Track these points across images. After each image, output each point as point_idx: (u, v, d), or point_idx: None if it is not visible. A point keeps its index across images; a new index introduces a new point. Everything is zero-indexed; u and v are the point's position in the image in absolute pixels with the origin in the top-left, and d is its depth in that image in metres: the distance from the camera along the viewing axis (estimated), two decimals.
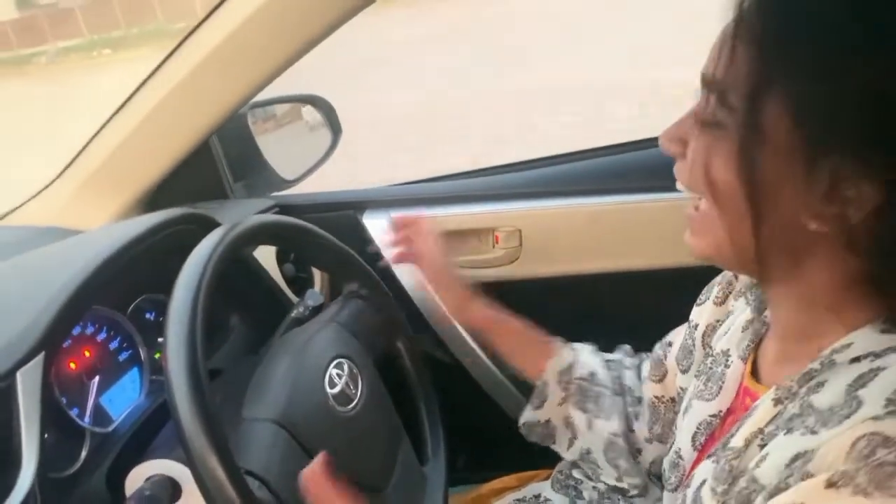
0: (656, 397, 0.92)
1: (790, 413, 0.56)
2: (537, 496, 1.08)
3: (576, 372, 0.96)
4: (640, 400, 0.95)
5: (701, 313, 0.84)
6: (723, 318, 0.80)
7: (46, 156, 1.26)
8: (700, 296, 0.86)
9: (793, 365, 0.60)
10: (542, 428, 0.98)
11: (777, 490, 0.51)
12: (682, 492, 0.67)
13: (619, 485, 0.95)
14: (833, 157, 0.52)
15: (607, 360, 0.98)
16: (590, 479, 1.01)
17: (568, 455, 0.99)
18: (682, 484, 0.73)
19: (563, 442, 0.98)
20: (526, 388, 1.00)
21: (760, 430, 0.59)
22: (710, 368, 0.74)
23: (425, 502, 0.94)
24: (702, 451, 0.71)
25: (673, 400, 0.91)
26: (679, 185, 0.63)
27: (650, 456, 0.94)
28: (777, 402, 0.59)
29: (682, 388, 0.87)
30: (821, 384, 0.55)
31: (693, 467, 0.71)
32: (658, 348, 0.94)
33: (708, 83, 0.57)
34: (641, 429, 0.93)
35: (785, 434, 0.54)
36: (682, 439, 0.74)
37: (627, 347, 1.02)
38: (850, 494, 0.47)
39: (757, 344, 0.70)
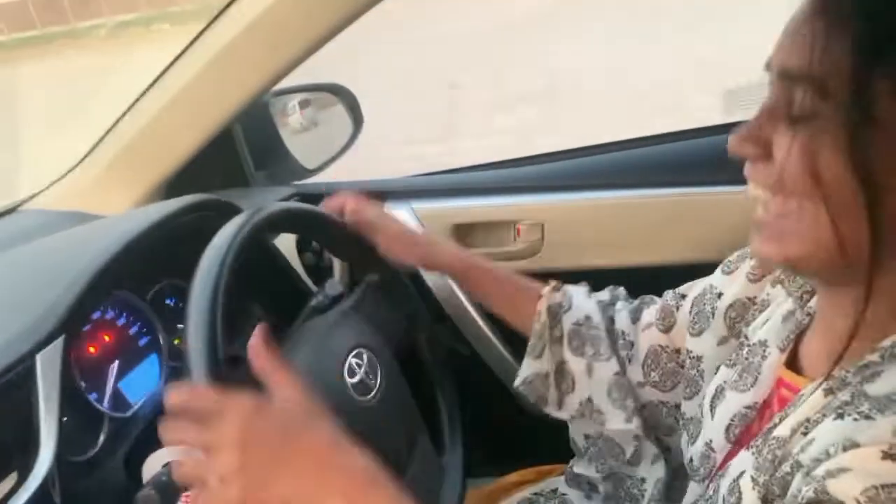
0: (660, 346, 0.89)
1: (840, 401, 0.54)
2: (554, 491, 1.07)
3: (571, 317, 0.94)
4: (632, 344, 0.92)
5: (728, 283, 0.81)
6: (756, 297, 0.77)
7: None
8: (726, 262, 0.83)
9: (845, 362, 0.57)
10: (541, 383, 0.95)
11: (817, 462, 0.49)
12: (716, 482, 0.66)
13: (628, 426, 0.91)
14: None
15: (599, 301, 0.96)
16: (590, 462, 0.98)
17: (562, 413, 0.95)
18: (712, 475, 0.71)
19: (553, 401, 0.95)
20: None
21: (807, 419, 0.57)
22: (746, 359, 0.72)
23: (443, 493, 0.94)
24: (737, 442, 0.70)
25: (678, 351, 0.89)
26: (753, 188, 0.59)
27: (641, 400, 0.92)
28: (828, 392, 0.56)
29: (688, 350, 0.85)
30: (877, 374, 0.53)
31: (728, 458, 0.70)
32: (669, 298, 0.91)
33: (799, 76, 0.53)
34: (634, 372, 0.92)
35: (834, 419, 0.52)
36: (714, 430, 0.72)
37: (621, 290, 0.99)
38: None
39: (798, 335, 0.67)
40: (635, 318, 0.94)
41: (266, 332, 0.65)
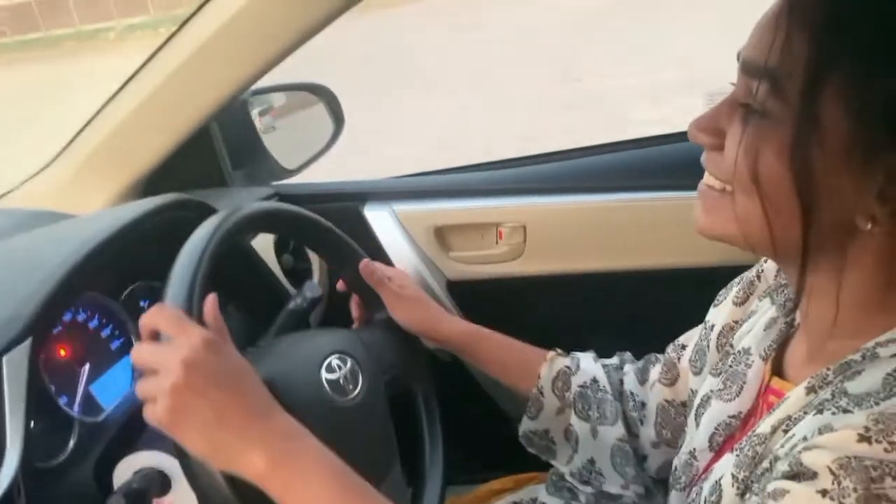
0: (667, 401, 0.89)
1: (821, 398, 0.54)
2: (534, 499, 1.06)
3: (578, 380, 0.94)
4: (643, 405, 0.92)
5: (717, 314, 0.82)
6: (743, 318, 0.78)
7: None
8: (717, 297, 0.84)
9: (817, 362, 0.58)
10: (541, 439, 0.96)
11: (793, 449, 0.50)
12: (699, 485, 0.65)
13: (623, 492, 0.92)
14: (892, 152, 0.49)
15: (605, 366, 0.96)
16: (587, 483, 0.98)
17: (567, 469, 0.96)
18: (693, 482, 0.71)
19: (562, 456, 0.96)
20: None
21: (788, 417, 0.57)
22: (731, 367, 0.72)
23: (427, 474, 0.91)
24: (719, 451, 0.70)
25: (684, 404, 0.89)
26: (707, 178, 0.60)
27: (657, 461, 0.92)
28: (810, 390, 0.57)
29: (693, 391, 0.85)
30: (858, 373, 0.53)
31: (710, 465, 0.69)
32: (670, 351, 0.91)
33: (756, 71, 0.54)
34: (647, 434, 0.91)
35: (814, 415, 0.52)
36: (699, 439, 0.72)
37: (628, 354, 0.99)
38: (885, 451, 0.45)
39: (782, 344, 0.68)
40: (643, 378, 0.94)
41: (215, 299, 0.71)
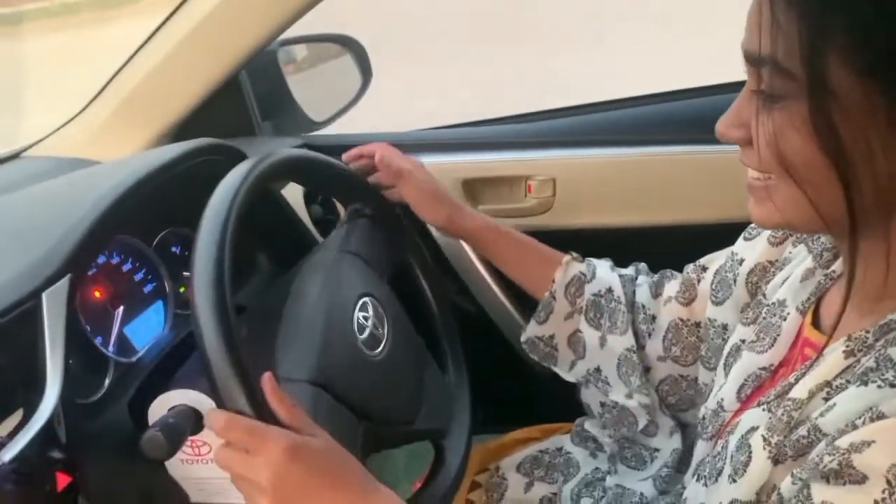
0: (681, 319, 0.90)
1: (864, 366, 0.53)
2: (559, 449, 1.07)
3: (592, 287, 0.94)
4: (653, 318, 0.93)
5: (750, 249, 0.81)
6: (777, 260, 0.77)
7: None
8: (749, 229, 0.83)
9: (866, 320, 0.57)
10: (545, 345, 0.97)
11: (841, 433, 0.49)
12: (724, 438, 0.65)
13: (628, 402, 0.93)
14: None
15: (621, 276, 0.96)
16: (604, 427, 0.99)
17: (569, 376, 0.98)
18: (720, 432, 0.71)
19: (564, 364, 0.98)
20: None
21: (828, 383, 0.56)
22: (764, 318, 0.71)
23: (455, 417, 0.93)
24: (746, 401, 0.69)
25: (698, 325, 0.90)
26: (750, 172, 0.59)
27: (660, 374, 0.93)
28: (849, 354, 0.56)
29: (711, 320, 0.85)
30: None
31: (735, 415, 0.69)
32: (690, 271, 0.91)
33: (756, 58, 0.53)
34: (654, 346, 0.92)
35: (858, 386, 0.52)
36: (727, 390, 0.72)
37: (643, 265, 0.99)
38: None
39: (820, 297, 0.67)
40: (656, 292, 0.94)
41: (273, 382, 0.66)
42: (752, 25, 0.53)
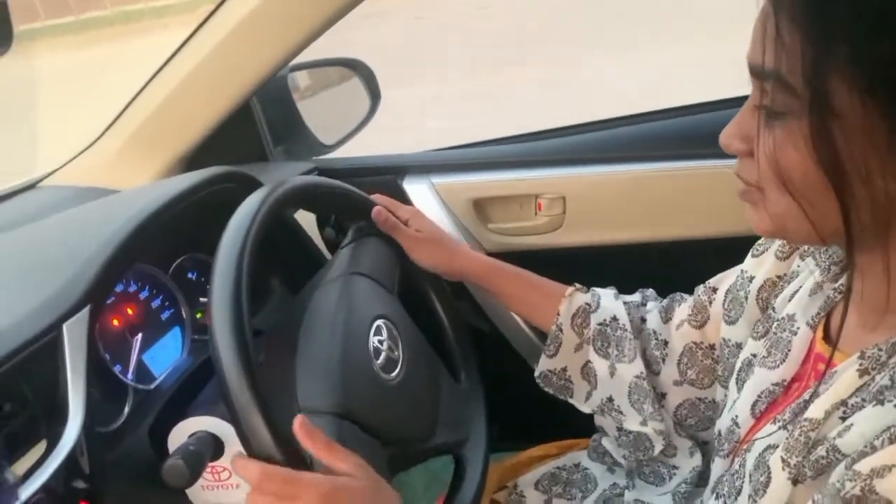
0: (694, 343, 0.90)
1: (879, 384, 0.53)
2: (577, 465, 1.07)
3: (597, 317, 0.94)
4: (666, 343, 0.92)
5: (758, 265, 0.81)
6: (785, 274, 0.77)
7: None
8: (756, 246, 0.83)
9: (876, 334, 0.57)
10: (559, 378, 0.97)
11: (861, 455, 0.49)
12: (741, 456, 0.65)
13: (643, 429, 0.93)
14: None
15: (626, 303, 0.96)
16: (619, 447, 0.99)
17: (585, 408, 0.98)
18: (736, 450, 0.71)
19: (580, 395, 0.98)
20: None
21: (843, 402, 0.56)
22: (775, 334, 0.71)
23: (472, 426, 0.94)
24: (760, 417, 0.69)
25: (712, 347, 0.89)
26: (741, 185, 0.60)
27: (677, 399, 0.92)
28: (863, 372, 0.56)
29: (726, 339, 0.85)
30: None
31: (751, 432, 0.69)
32: (700, 293, 0.91)
33: (760, 72, 0.54)
34: (669, 372, 0.92)
35: (874, 406, 0.52)
36: (741, 406, 0.72)
37: (651, 291, 0.99)
38: None
39: (829, 311, 0.67)
40: (667, 317, 0.94)
41: (305, 421, 0.66)
42: (757, 39, 0.54)
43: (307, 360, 0.79)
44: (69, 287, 0.74)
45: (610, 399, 0.94)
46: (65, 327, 0.71)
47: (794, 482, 0.57)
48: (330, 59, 1.42)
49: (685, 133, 1.21)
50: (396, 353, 0.87)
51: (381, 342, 0.86)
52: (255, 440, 0.65)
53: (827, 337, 0.66)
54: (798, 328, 0.68)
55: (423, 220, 1.03)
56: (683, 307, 0.93)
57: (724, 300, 0.86)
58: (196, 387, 0.86)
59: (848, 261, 0.55)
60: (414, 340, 0.93)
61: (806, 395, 0.61)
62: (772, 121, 0.53)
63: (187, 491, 0.79)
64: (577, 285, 0.98)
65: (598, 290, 0.98)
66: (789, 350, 0.68)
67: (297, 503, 0.62)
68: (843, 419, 0.55)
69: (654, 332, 0.93)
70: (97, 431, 0.76)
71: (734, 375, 0.78)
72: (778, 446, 0.60)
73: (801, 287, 0.72)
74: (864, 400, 0.54)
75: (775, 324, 0.73)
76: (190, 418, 0.78)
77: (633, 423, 0.94)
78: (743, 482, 0.64)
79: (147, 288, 0.94)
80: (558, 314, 0.96)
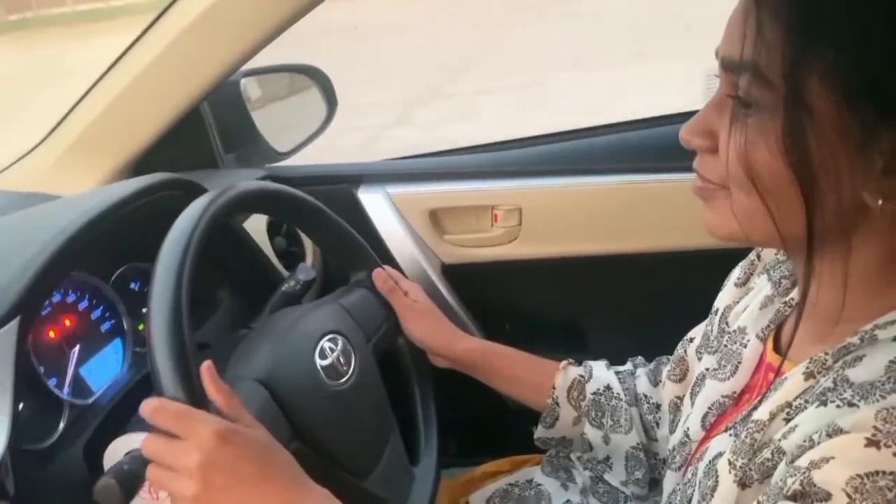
0: (678, 397, 0.88)
1: (823, 387, 0.53)
2: (529, 481, 1.05)
3: (591, 387, 0.93)
4: (657, 406, 0.92)
5: (721, 298, 0.81)
6: (741, 298, 0.77)
7: None
8: (725, 282, 0.83)
9: (825, 344, 0.57)
10: (557, 443, 0.97)
11: (800, 450, 0.48)
12: (693, 466, 0.65)
13: (622, 488, 0.93)
14: (888, 128, 0.48)
15: (619, 373, 0.96)
16: (585, 467, 0.98)
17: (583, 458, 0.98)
18: (688, 461, 0.70)
19: (578, 451, 0.97)
20: None
21: (788, 404, 0.56)
22: (726, 346, 0.71)
23: (410, 500, 0.91)
24: (710, 429, 0.69)
25: None
26: (699, 181, 0.59)
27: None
28: (808, 375, 0.56)
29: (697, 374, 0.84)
30: (859, 359, 0.52)
31: (702, 443, 0.69)
32: (679, 347, 0.90)
33: (736, 65, 0.52)
34: (665, 435, 0.90)
35: (817, 407, 0.51)
36: (692, 419, 0.72)
37: (640, 359, 0.99)
38: (894, 456, 0.44)
39: (780, 323, 0.67)
40: (656, 380, 0.93)
41: (212, 370, 0.67)
42: (734, 31, 0.53)
43: (246, 346, 0.81)
44: None
45: (607, 458, 0.94)
46: None
47: (742, 485, 0.56)
48: (285, 66, 1.40)
49: (641, 146, 1.21)
50: (345, 368, 0.85)
51: (331, 349, 0.85)
52: (161, 378, 0.65)
53: (777, 348, 0.66)
54: (748, 340, 0.68)
55: (420, 293, 1.03)
56: (669, 366, 0.91)
57: (699, 343, 0.85)
58: (136, 402, 0.82)
59: (807, 267, 0.54)
60: (371, 383, 0.91)
61: (755, 402, 0.60)
62: (743, 116, 0.52)
63: None
64: (571, 360, 0.97)
65: (590, 362, 0.97)
66: (739, 362, 0.68)
67: (188, 441, 0.62)
68: (788, 420, 0.54)
69: (646, 397, 0.92)
70: (26, 449, 0.73)
71: (689, 390, 0.77)
72: (725, 451, 0.59)
73: (752, 301, 0.72)
74: (807, 401, 0.54)
75: (727, 337, 0.72)
76: (126, 435, 0.75)
77: (615, 479, 0.94)
78: (693, 490, 0.63)
79: (87, 298, 0.90)
80: (554, 388, 0.94)
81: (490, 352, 1.00)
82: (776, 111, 0.50)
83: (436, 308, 1.03)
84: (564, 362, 0.96)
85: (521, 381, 0.98)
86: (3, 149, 1.25)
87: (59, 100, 1.21)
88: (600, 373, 0.95)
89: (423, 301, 1.02)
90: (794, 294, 0.66)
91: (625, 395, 0.92)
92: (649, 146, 1.20)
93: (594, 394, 0.93)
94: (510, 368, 0.98)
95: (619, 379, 0.94)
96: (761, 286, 0.72)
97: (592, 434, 0.92)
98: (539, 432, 0.96)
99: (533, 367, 0.98)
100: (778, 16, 0.50)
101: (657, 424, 0.91)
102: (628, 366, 0.98)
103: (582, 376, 0.95)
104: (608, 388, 0.93)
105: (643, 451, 0.90)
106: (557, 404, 0.94)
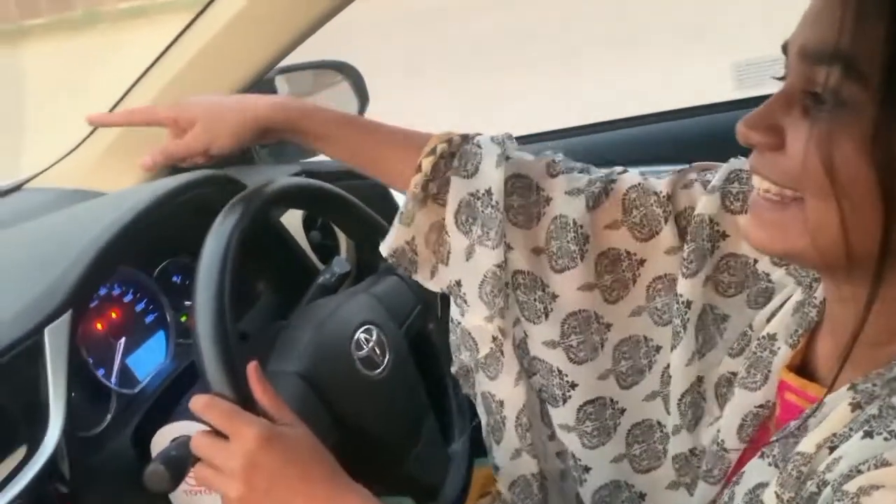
0: (627, 252, 0.76)
1: (867, 414, 0.50)
2: None
3: (471, 185, 0.78)
4: (586, 238, 0.75)
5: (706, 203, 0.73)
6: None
7: None
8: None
9: (860, 367, 0.54)
10: (410, 250, 0.82)
11: (847, 478, 0.46)
12: (730, 489, 0.61)
13: (485, 325, 0.77)
14: None
15: (530, 161, 0.80)
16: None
17: (432, 284, 0.82)
18: (727, 478, 0.68)
19: (424, 269, 0.82)
20: None
21: (834, 435, 0.53)
22: (755, 353, 0.67)
23: (447, 480, 0.93)
24: (752, 442, 0.66)
25: (643, 263, 0.77)
26: (761, 184, 0.54)
27: (571, 307, 0.77)
28: (855, 406, 0.52)
29: (679, 295, 0.73)
30: None
31: (741, 462, 0.66)
32: (653, 202, 0.75)
33: (824, 56, 0.48)
34: (582, 275, 0.76)
35: (862, 438, 0.49)
36: (726, 428, 0.68)
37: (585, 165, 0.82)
38: None
39: (809, 333, 0.63)
40: (595, 203, 0.76)
41: (258, 369, 0.69)
42: (824, 20, 0.48)
43: (285, 340, 0.85)
44: (51, 291, 0.74)
45: (458, 283, 0.79)
46: (46, 332, 0.70)
47: None
48: (318, 62, 1.41)
49: (669, 138, 1.21)
50: (380, 359, 0.88)
51: (366, 340, 0.88)
52: (209, 374, 0.68)
53: (806, 365, 0.63)
54: (778, 348, 0.65)
55: (185, 110, 0.87)
56: (617, 197, 0.76)
57: (687, 235, 0.73)
58: (180, 391, 0.86)
59: (872, 289, 0.49)
60: (406, 372, 0.93)
61: (791, 427, 0.57)
62: (824, 111, 0.48)
63: (170, 496, 0.78)
64: (452, 133, 0.81)
65: (485, 141, 0.80)
66: (770, 370, 0.65)
67: (234, 442, 0.64)
68: (832, 450, 0.52)
69: (575, 223, 0.75)
70: (79, 436, 0.76)
71: (712, 390, 0.73)
72: (769, 483, 0.56)
73: (782, 305, 0.68)
74: (851, 430, 0.51)
75: (755, 343, 0.68)
76: (173, 423, 0.78)
77: (474, 318, 0.77)
78: None
79: (131, 291, 0.93)
80: (420, 167, 0.79)
81: (340, 122, 0.85)
82: (863, 107, 0.47)
83: (206, 101, 0.88)
84: (439, 134, 0.80)
85: (384, 160, 0.84)
86: (53, 146, 1.28)
87: (105, 96, 1.23)
88: (488, 169, 0.78)
89: (190, 111, 0.86)
90: (818, 293, 0.63)
91: (502, 203, 0.76)
92: (676, 138, 1.20)
93: (470, 194, 0.78)
94: (370, 143, 0.84)
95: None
96: (788, 287, 0.69)
97: (457, 240, 0.78)
98: (391, 238, 0.82)
99: (400, 144, 0.83)
100: (885, 5, 0.46)
101: (581, 257, 0.75)
102: (549, 156, 0.81)
103: (463, 164, 0.79)
104: (488, 192, 0.76)
105: (505, 271, 0.76)
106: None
